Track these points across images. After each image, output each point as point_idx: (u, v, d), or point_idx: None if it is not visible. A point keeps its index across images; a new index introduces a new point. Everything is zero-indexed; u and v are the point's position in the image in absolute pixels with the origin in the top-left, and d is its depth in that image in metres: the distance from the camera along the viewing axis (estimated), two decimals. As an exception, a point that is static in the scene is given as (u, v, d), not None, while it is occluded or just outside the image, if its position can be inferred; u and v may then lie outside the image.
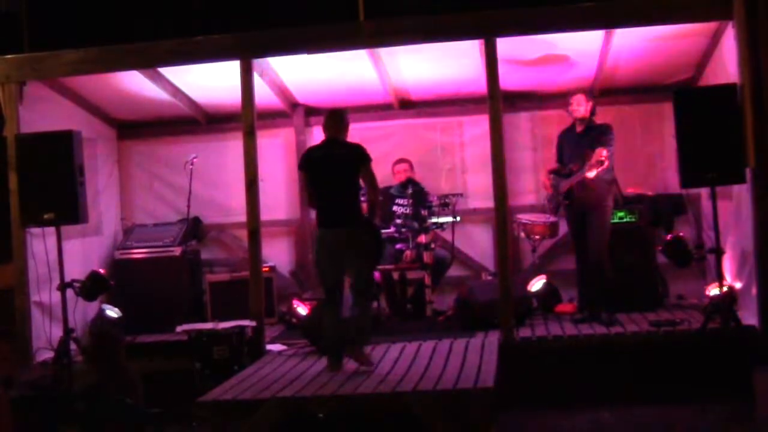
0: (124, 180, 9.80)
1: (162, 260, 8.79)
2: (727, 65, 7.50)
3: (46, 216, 7.26)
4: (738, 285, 7.59)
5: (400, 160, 9.08)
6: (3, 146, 7.75)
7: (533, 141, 9.46)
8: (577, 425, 6.59)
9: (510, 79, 8.53)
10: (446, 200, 8.56)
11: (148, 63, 8.07)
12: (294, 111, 9.70)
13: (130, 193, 9.81)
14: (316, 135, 9.77)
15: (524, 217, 8.66)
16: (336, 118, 6.78)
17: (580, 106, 7.81)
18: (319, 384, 6.11)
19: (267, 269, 8.72)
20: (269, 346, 7.65)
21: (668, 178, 8.98)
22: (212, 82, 8.58)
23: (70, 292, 7.38)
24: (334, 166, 6.62)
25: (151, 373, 7.15)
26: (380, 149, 9.55)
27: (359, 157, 6.62)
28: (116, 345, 6.95)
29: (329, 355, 6.69)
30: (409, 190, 8.68)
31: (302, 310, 8.43)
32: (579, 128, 7.89)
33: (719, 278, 6.97)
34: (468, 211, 9.29)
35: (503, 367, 6.46)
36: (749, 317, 7.12)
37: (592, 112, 7.86)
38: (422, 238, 8.40)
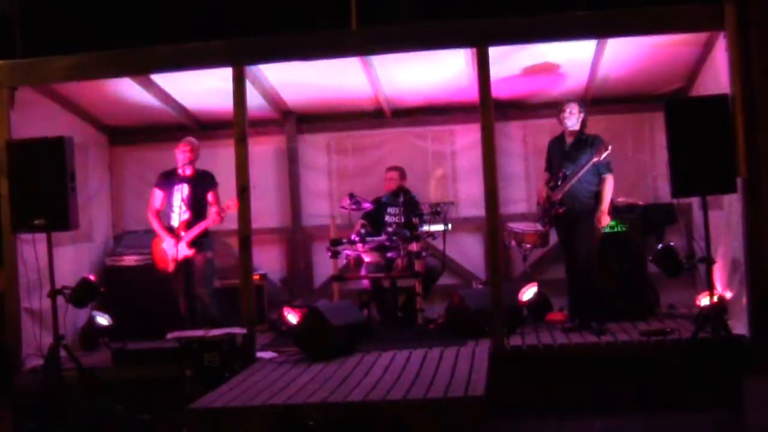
0: (115, 186, 9.78)
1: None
2: (718, 75, 7.52)
3: (36, 222, 7.21)
4: (728, 294, 7.61)
5: (391, 168, 9.09)
6: (-6, 152, 7.71)
7: (525, 150, 9.49)
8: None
9: (502, 88, 8.55)
10: (437, 209, 8.56)
11: (141, 69, 8.06)
12: (286, 119, 9.70)
13: (121, 200, 9.79)
14: (308, 142, 9.79)
15: (515, 226, 8.67)
16: None
17: (573, 116, 7.79)
18: (310, 392, 6.09)
19: (258, 277, 8.71)
20: (260, 354, 7.62)
21: (659, 188, 9.03)
22: (204, 89, 8.57)
23: (60, 299, 7.34)
24: None
25: (142, 379, 7.13)
26: (371, 157, 9.60)
27: None
28: None
29: None
30: (401, 199, 8.69)
31: (293, 317, 8.42)
32: (569, 140, 7.88)
33: (710, 288, 6.97)
34: (459, 219, 9.30)
35: (494, 375, 6.45)
36: (739, 327, 7.14)
37: (583, 124, 7.86)
38: (413, 247, 8.40)
